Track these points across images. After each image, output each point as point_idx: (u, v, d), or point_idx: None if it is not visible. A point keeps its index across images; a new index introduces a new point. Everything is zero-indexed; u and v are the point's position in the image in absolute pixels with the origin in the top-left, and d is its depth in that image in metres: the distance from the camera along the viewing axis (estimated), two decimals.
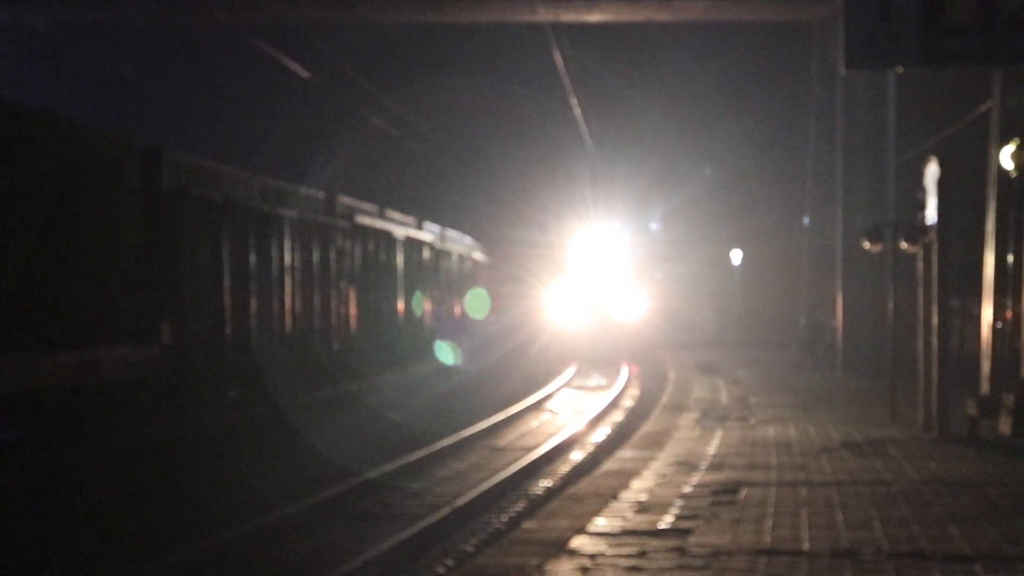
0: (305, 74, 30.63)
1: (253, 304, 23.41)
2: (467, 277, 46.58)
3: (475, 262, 49.22)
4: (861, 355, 34.02)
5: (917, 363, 19.92)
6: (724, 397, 27.73)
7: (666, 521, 12.06)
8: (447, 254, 42.35)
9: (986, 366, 19.61)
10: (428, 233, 39.61)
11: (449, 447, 21.47)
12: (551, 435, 23.84)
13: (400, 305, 34.40)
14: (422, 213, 40.29)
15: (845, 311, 35.08)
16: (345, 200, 31.11)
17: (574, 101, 39.33)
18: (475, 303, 47.16)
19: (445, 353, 39.05)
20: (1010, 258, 19.22)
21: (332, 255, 28.17)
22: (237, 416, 22.17)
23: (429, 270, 38.50)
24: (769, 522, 11.95)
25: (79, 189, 18.18)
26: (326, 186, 30.95)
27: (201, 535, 13.77)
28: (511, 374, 39.15)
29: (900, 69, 19.39)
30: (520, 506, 16.48)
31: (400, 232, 34.81)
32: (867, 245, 21.92)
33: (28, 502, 15.46)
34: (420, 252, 37.40)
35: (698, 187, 59.08)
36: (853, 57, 17.04)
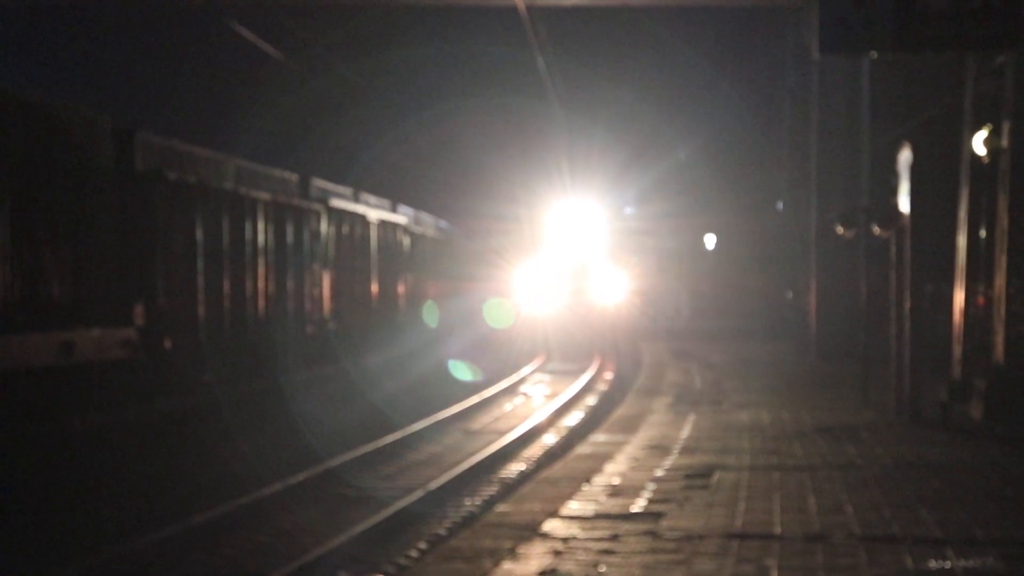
0: (270, 48, 30.69)
1: (227, 286, 23.35)
2: (441, 258, 45.47)
3: (447, 243, 47.68)
4: (835, 340, 34.11)
5: (890, 348, 19.98)
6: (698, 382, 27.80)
7: (639, 505, 12.08)
8: (423, 237, 42.19)
9: (958, 351, 19.69)
10: (402, 216, 39.55)
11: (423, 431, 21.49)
12: (525, 417, 23.88)
13: (374, 288, 34.32)
14: (397, 195, 40.19)
15: (819, 296, 35.16)
16: (319, 183, 31.04)
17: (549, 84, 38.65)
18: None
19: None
20: (982, 237, 19.30)
21: (306, 238, 28.10)
22: (210, 398, 22.12)
23: (403, 254, 38.43)
24: (741, 506, 11.98)
25: (50, 171, 18.08)
26: (300, 169, 30.87)
27: (168, 518, 13.74)
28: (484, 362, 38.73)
29: (874, 54, 19.38)
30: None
31: (374, 215, 34.74)
32: (840, 230, 21.96)
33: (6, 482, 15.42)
34: (394, 235, 37.34)
35: (672, 171, 58.94)
36: (827, 42, 17.04)
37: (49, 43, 41.09)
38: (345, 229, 31.55)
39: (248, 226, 24.46)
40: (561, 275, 44.43)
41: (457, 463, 18.46)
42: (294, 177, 29.43)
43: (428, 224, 44.89)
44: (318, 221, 29.17)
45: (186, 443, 19.73)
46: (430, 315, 40.41)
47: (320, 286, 29.19)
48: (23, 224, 17.25)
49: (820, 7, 17.02)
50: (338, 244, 30.84)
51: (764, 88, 48.42)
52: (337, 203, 31.19)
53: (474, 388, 29.69)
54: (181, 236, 21.73)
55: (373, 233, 34.40)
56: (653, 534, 10.60)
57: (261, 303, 25.08)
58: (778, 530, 10.76)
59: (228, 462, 18.68)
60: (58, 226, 18.26)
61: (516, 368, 36.02)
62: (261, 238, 25.11)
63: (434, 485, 15.86)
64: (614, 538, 10.47)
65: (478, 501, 15.84)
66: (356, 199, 34.29)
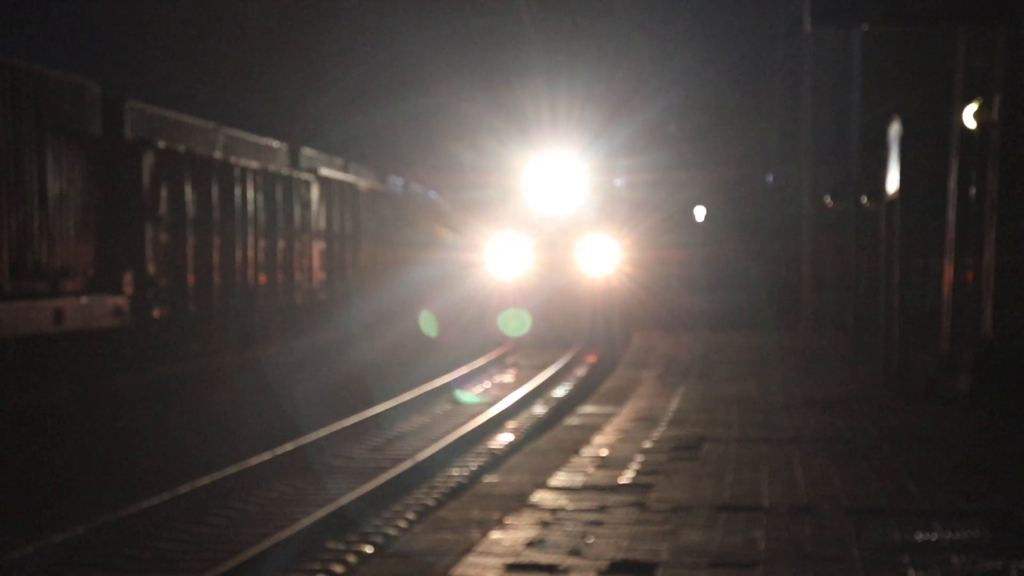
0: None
1: (215, 256, 23.31)
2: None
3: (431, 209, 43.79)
4: (825, 313, 34.13)
5: (879, 321, 20.02)
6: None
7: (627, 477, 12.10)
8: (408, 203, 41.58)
9: (947, 324, 19.73)
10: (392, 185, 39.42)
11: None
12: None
13: (362, 257, 34.19)
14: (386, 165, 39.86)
15: (809, 268, 35.17)
16: (308, 152, 30.96)
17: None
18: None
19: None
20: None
21: (296, 207, 28.05)
22: (199, 367, 22.12)
23: (393, 223, 38.31)
24: (729, 478, 12.01)
25: (39, 138, 18.03)
26: (289, 137, 30.79)
27: (159, 487, 13.75)
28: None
29: (866, 27, 19.37)
30: None
31: (364, 184, 34.67)
32: (830, 202, 21.98)
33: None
34: (385, 204, 37.24)
35: (661, 142, 58.65)
36: (819, 14, 17.03)
37: (33, 5, 40.68)
38: (335, 198, 31.50)
39: (238, 194, 24.41)
40: (540, 242, 35.85)
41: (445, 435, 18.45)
42: (283, 146, 29.36)
43: (416, 191, 44.27)
44: (308, 190, 29.13)
45: (179, 410, 19.73)
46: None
47: (309, 255, 29.16)
48: (9, 191, 17.20)
49: None
50: (328, 213, 30.79)
51: (755, 60, 48.35)
52: (327, 172, 31.13)
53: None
54: (170, 205, 21.68)
55: (362, 202, 34.34)
56: (641, 506, 10.63)
57: (250, 272, 25.06)
58: (766, 502, 10.79)
59: (210, 430, 18.67)
60: (47, 193, 18.22)
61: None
62: (251, 207, 25.06)
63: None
64: (602, 509, 10.49)
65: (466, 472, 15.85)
66: (346, 169, 34.19)
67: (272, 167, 26.91)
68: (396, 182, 40.25)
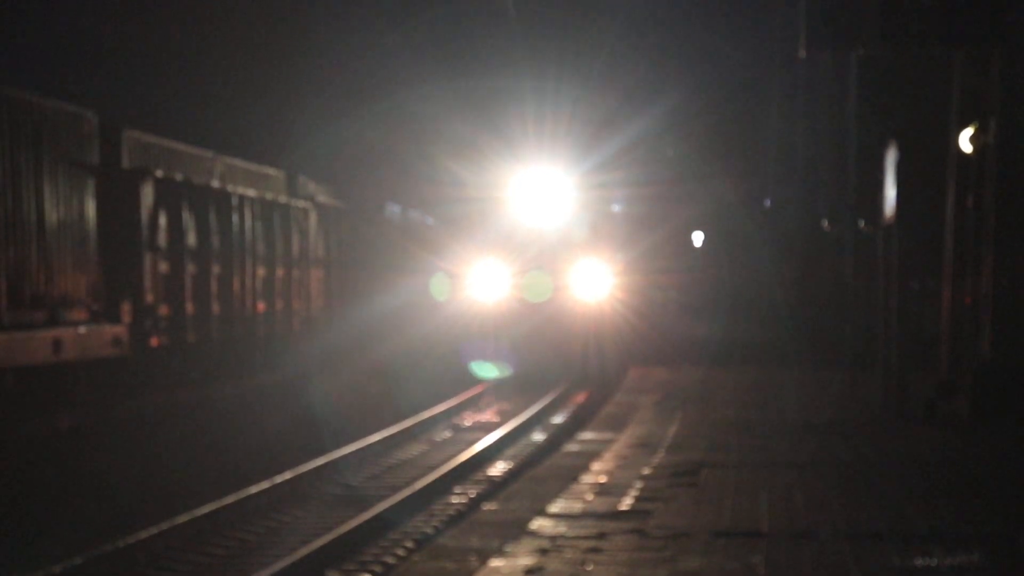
0: None
1: (214, 285, 23.31)
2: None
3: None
4: (822, 335, 34.12)
5: (877, 344, 20.01)
6: None
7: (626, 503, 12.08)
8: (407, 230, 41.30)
9: (945, 348, 19.73)
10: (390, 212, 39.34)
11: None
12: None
13: (358, 285, 34.02)
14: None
15: (805, 292, 35.20)
16: (304, 179, 30.97)
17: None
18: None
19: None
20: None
21: (294, 235, 28.07)
22: (198, 396, 22.10)
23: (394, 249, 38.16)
24: (728, 503, 11.99)
25: (36, 168, 18.04)
26: (288, 165, 30.79)
27: (159, 518, 13.71)
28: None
29: (861, 51, 19.40)
30: None
31: (359, 210, 34.60)
32: (826, 226, 22.00)
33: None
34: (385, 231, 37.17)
35: (661, 166, 58.53)
36: (814, 40, 17.07)
37: (27, 29, 40.38)
38: (332, 225, 31.48)
39: (235, 223, 24.42)
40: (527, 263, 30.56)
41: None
42: (281, 174, 29.38)
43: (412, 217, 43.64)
44: (306, 218, 29.14)
45: (177, 440, 19.69)
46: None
47: (307, 283, 29.15)
48: (6, 221, 17.20)
49: (806, 4, 17.05)
50: (326, 241, 30.79)
51: (752, 85, 48.44)
52: (324, 199, 31.14)
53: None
54: (168, 234, 21.68)
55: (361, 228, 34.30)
56: (641, 532, 10.61)
57: (249, 300, 25.05)
58: (765, 527, 10.77)
59: (207, 460, 18.65)
60: (44, 223, 18.22)
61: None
62: (248, 235, 25.07)
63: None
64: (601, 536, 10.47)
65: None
66: (338, 195, 34.06)
67: (270, 195, 26.93)
68: (392, 208, 39.96)
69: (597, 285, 30.38)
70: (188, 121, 36.25)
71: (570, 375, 29.26)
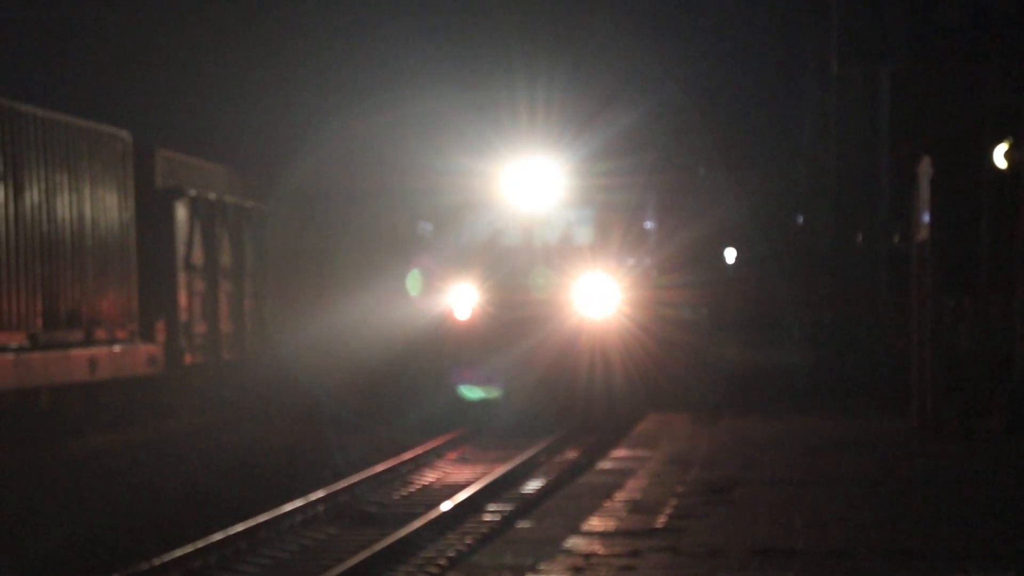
0: None
1: (248, 303, 23.39)
2: None
3: None
4: (857, 353, 33.99)
5: (911, 360, 19.95)
6: None
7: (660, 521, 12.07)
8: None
9: (980, 364, 19.64)
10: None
11: None
12: None
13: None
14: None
15: (839, 308, 35.07)
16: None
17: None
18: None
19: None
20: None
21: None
22: (228, 414, 22.15)
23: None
24: (763, 521, 11.97)
25: (73, 188, 18.19)
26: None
27: (186, 538, 13.66)
28: None
29: (892, 67, 19.38)
30: None
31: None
32: (859, 242, 21.94)
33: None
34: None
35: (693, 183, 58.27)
36: (846, 55, 17.07)
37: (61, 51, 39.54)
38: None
39: (268, 239, 24.49)
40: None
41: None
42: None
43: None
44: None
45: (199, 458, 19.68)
46: None
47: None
48: (43, 241, 17.34)
49: (838, 21, 17.06)
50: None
51: (784, 101, 48.41)
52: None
53: None
54: (201, 252, 21.80)
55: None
56: (674, 550, 10.60)
57: (287, 317, 25.02)
58: (800, 545, 10.75)
59: (251, 474, 18.69)
60: (81, 243, 18.36)
61: None
62: (279, 250, 24.98)
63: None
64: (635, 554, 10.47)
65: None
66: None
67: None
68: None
69: (605, 300, 23.62)
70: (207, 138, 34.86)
71: (568, 418, 23.02)
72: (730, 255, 61.07)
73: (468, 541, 13.81)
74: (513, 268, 23.43)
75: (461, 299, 23.46)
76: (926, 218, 19.11)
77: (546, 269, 23.46)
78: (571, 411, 23.14)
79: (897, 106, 32.65)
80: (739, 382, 28.61)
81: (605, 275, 23.56)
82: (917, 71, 23.12)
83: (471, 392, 23.61)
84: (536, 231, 23.78)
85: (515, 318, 23.09)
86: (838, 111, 35.37)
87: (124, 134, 19.80)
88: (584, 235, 24.00)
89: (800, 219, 44.74)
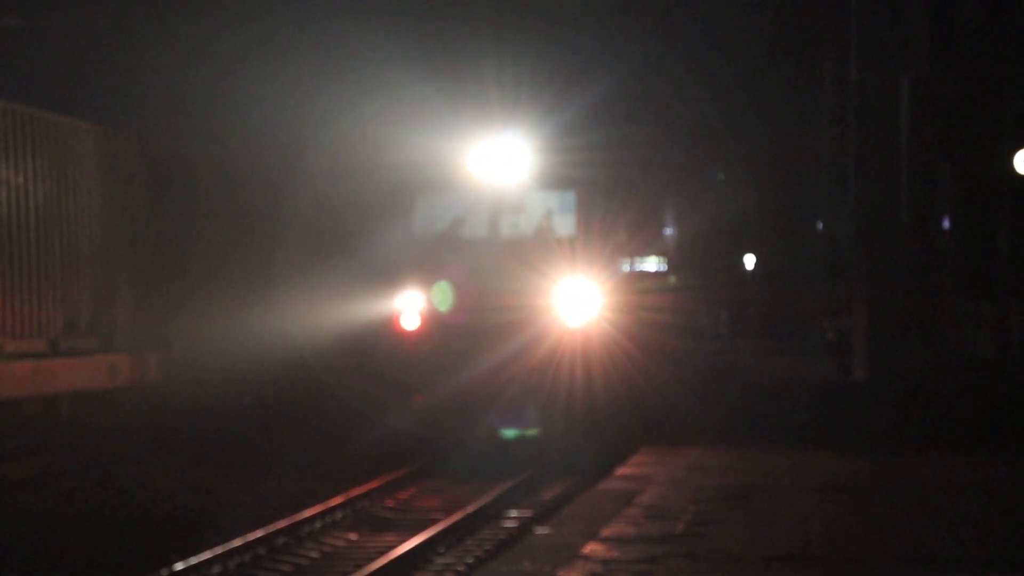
0: None
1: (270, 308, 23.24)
2: None
3: None
4: (876, 356, 33.82)
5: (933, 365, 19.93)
6: None
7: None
8: None
9: (1000, 367, 19.63)
10: None
11: None
12: None
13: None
14: None
15: (860, 315, 34.96)
16: None
17: None
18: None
19: None
20: None
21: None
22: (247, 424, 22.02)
23: None
24: (781, 527, 11.94)
25: (89, 196, 18.27)
26: None
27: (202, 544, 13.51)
28: None
29: (911, 73, 19.37)
30: None
31: None
32: (879, 248, 21.93)
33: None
34: None
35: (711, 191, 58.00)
36: (865, 62, 17.06)
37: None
38: None
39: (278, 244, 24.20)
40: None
41: None
42: None
43: None
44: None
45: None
46: None
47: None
48: (63, 250, 17.43)
49: (857, 28, 17.05)
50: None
51: (802, 108, 48.34)
52: None
53: None
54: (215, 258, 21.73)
55: None
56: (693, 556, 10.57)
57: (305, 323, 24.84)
58: (819, 551, 10.72)
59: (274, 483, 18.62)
60: (102, 252, 18.44)
61: None
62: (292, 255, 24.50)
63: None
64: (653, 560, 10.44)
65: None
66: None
67: None
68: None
69: (591, 307, 18.47)
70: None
71: (541, 455, 18.24)
72: (749, 261, 60.95)
73: None
74: (475, 265, 18.56)
75: (408, 304, 18.48)
76: (946, 224, 19.10)
77: (516, 266, 18.47)
78: (544, 446, 18.34)
79: (917, 112, 32.60)
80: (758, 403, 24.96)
81: (591, 275, 18.56)
82: (937, 77, 23.13)
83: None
84: (504, 219, 18.86)
85: (478, 328, 18.27)
86: (857, 117, 35.29)
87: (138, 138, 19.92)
88: (564, 224, 18.90)
89: (820, 225, 44.63)
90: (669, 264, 24.37)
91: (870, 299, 34.43)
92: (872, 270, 33.63)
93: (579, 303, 18.25)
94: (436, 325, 18.36)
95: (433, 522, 14.14)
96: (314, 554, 13.16)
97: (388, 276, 18.67)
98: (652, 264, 23.05)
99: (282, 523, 13.73)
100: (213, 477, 17.78)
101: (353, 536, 14.06)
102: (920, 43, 16.94)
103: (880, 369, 33.10)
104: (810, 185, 47.85)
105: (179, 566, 11.72)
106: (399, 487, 16.90)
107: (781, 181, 54.66)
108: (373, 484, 16.47)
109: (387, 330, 18.57)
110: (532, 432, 18.22)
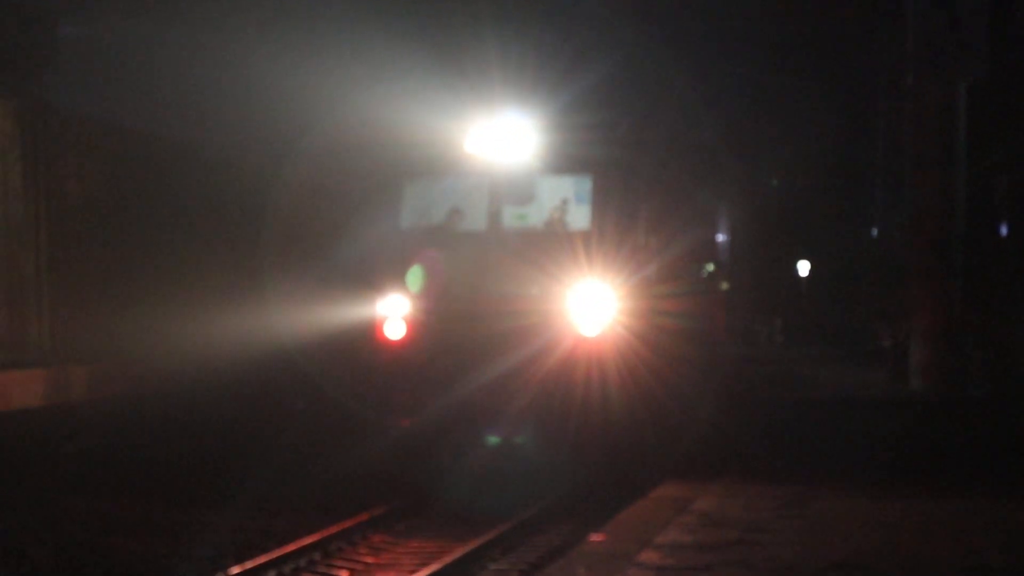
0: None
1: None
2: None
3: None
4: (933, 364, 33.61)
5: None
6: None
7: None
8: None
9: None
10: None
11: None
12: None
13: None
14: None
15: (916, 323, 34.75)
16: None
17: None
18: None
19: None
20: None
21: None
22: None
23: None
24: (838, 536, 11.90)
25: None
26: None
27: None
28: None
29: (968, 79, 19.28)
30: None
31: None
32: (936, 256, 21.82)
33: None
34: None
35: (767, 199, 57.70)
36: (922, 69, 17.00)
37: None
38: None
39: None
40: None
41: None
42: None
43: None
44: None
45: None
46: None
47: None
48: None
49: (913, 33, 16.99)
50: None
51: (857, 116, 48.12)
52: None
53: None
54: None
55: None
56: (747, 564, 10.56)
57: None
58: (874, 561, 10.68)
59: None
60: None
61: None
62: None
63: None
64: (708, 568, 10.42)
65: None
66: None
67: None
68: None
69: (609, 312, 15.49)
70: None
71: (550, 489, 15.33)
72: (803, 267, 60.66)
73: None
74: (472, 264, 15.95)
75: (393, 309, 15.91)
76: (1003, 231, 18.99)
77: (520, 265, 15.78)
78: (548, 480, 15.39)
79: (974, 119, 32.42)
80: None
81: (610, 276, 15.63)
82: (994, 84, 22.99)
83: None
84: (506, 210, 16.14)
85: (474, 338, 15.52)
86: (913, 123, 35.13)
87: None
88: (578, 216, 15.97)
89: (874, 232, 44.42)
90: (719, 268, 22.01)
91: (927, 306, 34.30)
92: (928, 277, 33.50)
93: (595, 308, 15.41)
94: (425, 333, 15.77)
95: None
96: None
97: (370, 276, 16.12)
98: (692, 266, 20.26)
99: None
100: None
101: None
102: (977, 49, 16.85)
103: (936, 380, 32.93)
104: (865, 191, 47.63)
105: None
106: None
107: (836, 187, 54.45)
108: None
109: (368, 339, 16.03)
110: (534, 461, 15.31)
